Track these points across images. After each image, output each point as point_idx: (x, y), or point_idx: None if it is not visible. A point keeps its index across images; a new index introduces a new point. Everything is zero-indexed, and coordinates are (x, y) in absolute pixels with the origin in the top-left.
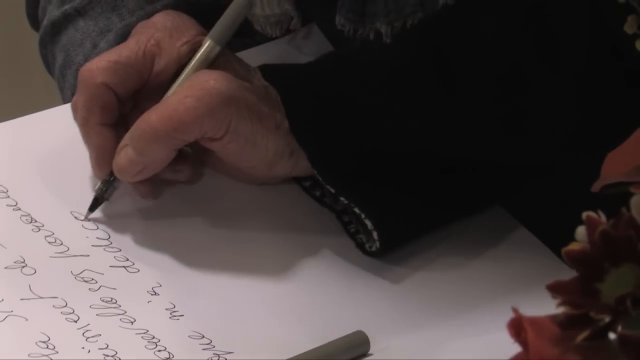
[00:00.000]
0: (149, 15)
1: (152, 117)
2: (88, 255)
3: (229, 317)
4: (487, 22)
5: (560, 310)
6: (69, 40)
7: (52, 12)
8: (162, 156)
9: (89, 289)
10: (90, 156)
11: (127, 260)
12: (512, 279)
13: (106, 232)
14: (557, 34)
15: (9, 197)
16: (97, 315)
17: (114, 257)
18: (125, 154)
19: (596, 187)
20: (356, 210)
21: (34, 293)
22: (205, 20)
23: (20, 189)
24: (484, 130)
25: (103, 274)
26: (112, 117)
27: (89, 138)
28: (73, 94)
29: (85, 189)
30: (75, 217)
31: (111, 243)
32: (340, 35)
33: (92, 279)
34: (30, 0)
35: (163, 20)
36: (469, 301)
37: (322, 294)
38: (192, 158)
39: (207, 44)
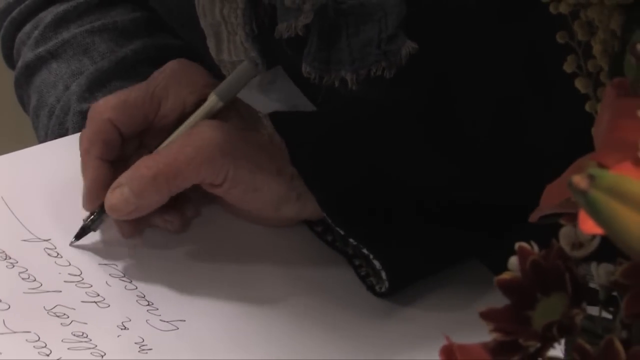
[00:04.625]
0: (119, 59)
1: (153, 163)
2: (60, 291)
3: (198, 354)
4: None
5: (492, 336)
6: (43, 81)
7: (26, 55)
8: (156, 200)
9: (61, 324)
10: (84, 188)
11: (98, 295)
12: None
13: (78, 269)
14: (460, 116)
15: None
16: (68, 349)
17: (86, 292)
18: (120, 193)
19: (533, 217)
20: (365, 251)
21: (7, 328)
22: None
23: None
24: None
25: (75, 309)
26: (112, 153)
27: (85, 170)
28: (46, 134)
29: (57, 227)
30: (49, 254)
31: (83, 279)
32: (306, 80)
33: (64, 314)
34: (6, 42)
35: (176, 67)
36: None
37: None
38: (186, 208)
39: (211, 99)
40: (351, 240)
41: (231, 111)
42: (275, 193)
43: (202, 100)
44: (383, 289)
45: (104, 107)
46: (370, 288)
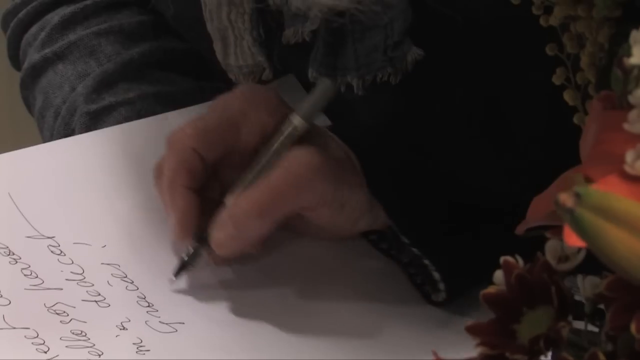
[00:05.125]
0: (125, 62)
1: (253, 195)
2: (62, 289)
3: (196, 356)
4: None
5: (478, 350)
6: (49, 83)
7: (32, 56)
8: (263, 231)
9: (61, 322)
10: (173, 219)
11: (99, 295)
12: None
13: (80, 267)
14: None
15: None
16: (66, 347)
17: (87, 291)
18: (224, 230)
19: (520, 229)
20: (425, 262)
21: (7, 323)
22: (181, 66)
23: None
24: None
25: (75, 308)
26: (197, 182)
27: (174, 200)
28: (52, 135)
29: (62, 225)
30: (52, 252)
31: (84, 278)
32: (313, 85)
33: (64, 312)
34: (13, 43)
35: (247, 90)
36: None
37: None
38: None
39: (295, 120)
40: (415, 249)
41: (308, 135)
42: (359, 206)
43: (281, 120)
44: (440, 299)
45: (185, 135)
46: (426, 296)
